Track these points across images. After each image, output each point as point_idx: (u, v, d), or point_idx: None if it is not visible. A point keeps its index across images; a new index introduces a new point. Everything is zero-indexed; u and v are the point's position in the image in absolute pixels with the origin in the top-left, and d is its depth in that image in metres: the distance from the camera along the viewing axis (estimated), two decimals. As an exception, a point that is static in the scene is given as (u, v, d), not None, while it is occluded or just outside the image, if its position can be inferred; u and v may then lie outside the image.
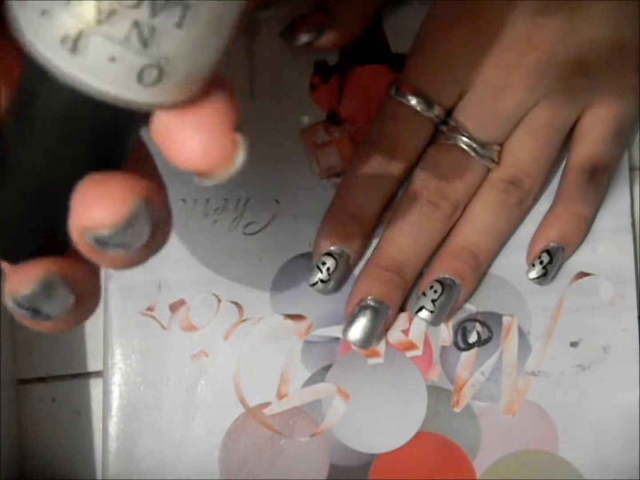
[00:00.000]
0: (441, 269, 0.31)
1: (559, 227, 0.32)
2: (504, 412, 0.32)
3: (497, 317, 0.32)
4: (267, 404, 0.32)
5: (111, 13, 0.14)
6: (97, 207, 0.15)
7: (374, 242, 0.32)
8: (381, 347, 0.32)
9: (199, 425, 0.32)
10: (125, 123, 0.16)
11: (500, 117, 0.30)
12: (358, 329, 0.31)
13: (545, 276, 0.32)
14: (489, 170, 0.31)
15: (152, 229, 0.16)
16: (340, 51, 0.33)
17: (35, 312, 0.16)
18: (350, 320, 0.31)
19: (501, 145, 0.31)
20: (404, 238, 0.31)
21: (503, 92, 0.29)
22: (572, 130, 0.31)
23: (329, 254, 0.31)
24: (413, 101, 0.30)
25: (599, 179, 0.32)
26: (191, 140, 0.16)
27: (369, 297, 0.31)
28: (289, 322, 0.32)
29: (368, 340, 0.31)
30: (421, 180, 0.31)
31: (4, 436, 0.31)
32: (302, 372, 0.32)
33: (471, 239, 0.31)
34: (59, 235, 0.17)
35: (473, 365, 0.32)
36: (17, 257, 0.17)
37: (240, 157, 0.16)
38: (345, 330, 0.31)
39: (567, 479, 0.32)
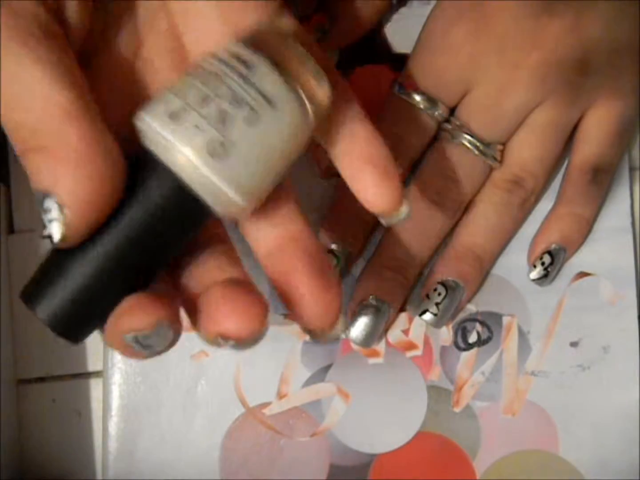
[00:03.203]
0: (445, 272, 0.31)
1: (560, 228, 0.32)
2: (504, 412, 0.32)
3: (497, 317, 0.32)
4: (267, 404, 0.32)
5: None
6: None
7: (375, 241, 0.32)
8: (381, 347, 0.32)
9: (199, 425, 0.32)
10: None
11: (503, 116, 0.30)
12: (360, 328, 0.31)
13: (546, 277, 0.32)
14: (492, 169, 0.31)
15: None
16: (340, 51, 0.33)
17: (147, 347, 0.19)
18: (352, 319, 0.31)
19: (504, 144, 0.31)
20: (407, 237, 0.31)
21: (507, 91, 0.29)
22: (574, 129, 0.31)
23: (330, 252, 0.31)
24: (417, 99, 0.30)
25: (601, 180, 0.32)
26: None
27: (371, 296, 0.31)
28: (289, 322, 0.32)
29: (369, 339, 0.31)
30: (424, 178, 0.31)
31: (4, 436, 0.31)
32: (302, 372, 0.32)
33: (475, 240, 0.31)
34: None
35: (473, 365, 0.32)
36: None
37: (405, 209, 0.23)
38: (346, 329, 0.31)
39: (567, 479, 0.32)
